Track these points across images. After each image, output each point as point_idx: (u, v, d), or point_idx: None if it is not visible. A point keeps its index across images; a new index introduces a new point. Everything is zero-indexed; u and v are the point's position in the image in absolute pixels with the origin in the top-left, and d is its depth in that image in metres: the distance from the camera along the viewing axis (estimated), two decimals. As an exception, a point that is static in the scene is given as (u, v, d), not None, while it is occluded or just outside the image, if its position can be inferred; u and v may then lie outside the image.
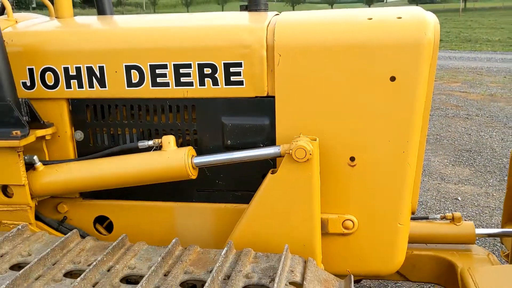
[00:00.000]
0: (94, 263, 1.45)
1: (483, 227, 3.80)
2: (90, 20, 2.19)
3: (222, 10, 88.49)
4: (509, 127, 6.99)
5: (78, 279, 1.36)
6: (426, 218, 2.71)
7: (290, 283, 1.38)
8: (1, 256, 1.52)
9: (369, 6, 72.83)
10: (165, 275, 1.43)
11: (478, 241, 2.46)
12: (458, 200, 4.44)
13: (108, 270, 1.46)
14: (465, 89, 10.07)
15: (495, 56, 15.64)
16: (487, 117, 7.64)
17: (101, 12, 2.42)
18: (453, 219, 2.49)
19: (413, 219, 2.65)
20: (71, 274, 1.46)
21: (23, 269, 1.39)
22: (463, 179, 5.00)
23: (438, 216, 2.63)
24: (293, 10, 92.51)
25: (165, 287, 1.35)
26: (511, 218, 2.51)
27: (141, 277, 1.39)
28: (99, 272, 1.44)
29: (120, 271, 1.45)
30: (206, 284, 1.31)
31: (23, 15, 2.01)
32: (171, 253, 1.53)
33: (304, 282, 1.38)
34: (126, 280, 1.44)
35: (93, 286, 1.37)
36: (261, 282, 1.39)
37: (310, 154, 1.54)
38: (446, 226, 2.49)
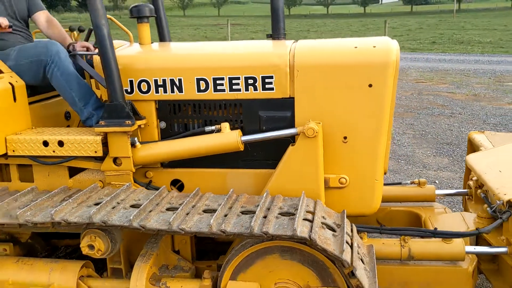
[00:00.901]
0: (184, 202, 2.33)
1: (455, 203, 4.68)
2: (166, 46, 3.08)
3: (218, 14, 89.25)
4: (488, 123, 7.83)
5: (177, 210, 2.24)
6: (400, 184, 3.61)
7: (307, 211, 2.26)
8: (122, 200, 2.40)
9: (364, 8, 72.98)
10: (229, 208, 2.31)
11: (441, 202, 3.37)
12: (436, 183, 5.27)
13: (193, 207, 2.33)
14: (452, 90, 10.88)
15: (483, 58, 16.49)
16: (469, 115, 8.47)
17: (161, 35, 3.28)
18: (419, 184, 3.39)
19: (390, 184, 3.57)
20: (170, 209, 2.34)
21: (141, 206, 2.27)
22: (442, 167, 5.86)
23: (409, 181, 3.53)
24: (289, 12, 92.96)
25: (232, 213, 2.23)
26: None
27: (215, 210, 2.27)
28: (188, 207, 2.32)
29: (200, 207, 2.33)
30: (257, 210, 2.19)
31: (116, 42, 2.86)
32: (230, 197, 2.41)
33: (315, 211, 2.26)
34: (204, 211, 2.32)
35: (186, 214, 2.24)
36: (289, 211, 2.26)
37: (316, 132, 2.41)
38: (414, 189, 3.39)
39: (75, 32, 3.56)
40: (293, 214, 2.19)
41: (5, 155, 2.68)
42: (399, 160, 6.11)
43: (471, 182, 3.36)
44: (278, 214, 2.23)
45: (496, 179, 2.77)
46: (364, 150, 2.54)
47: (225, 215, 2.22)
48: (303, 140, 2.44)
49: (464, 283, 2.61)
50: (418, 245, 2.61)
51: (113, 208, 2.29)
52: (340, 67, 2.49)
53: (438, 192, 3.41)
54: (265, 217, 2.17)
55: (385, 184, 3.30)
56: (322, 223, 2.18)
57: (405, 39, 25.93)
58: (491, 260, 2.81)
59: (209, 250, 2.86)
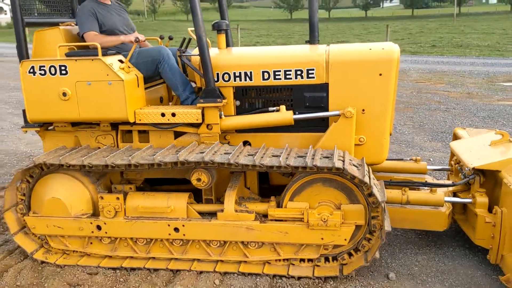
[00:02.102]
0: (258, 151, 3.55)
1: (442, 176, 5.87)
2: (239, 50, 4.33)
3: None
4: (477, 116, 8.98)
5: (256, 154, 3.45)
6: (401, 160, 4.86)
7: (339, 156, 3.47)
8: (217, 150, 3.60)
9: (365, 12, 73.31)
10: (288, 154, 3.52)
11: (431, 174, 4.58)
12: (431, 161, 6.47)
13: (264, 153, 3.54)
14: (448, 89, 12.02)
15: (478, 61, 17.67)
16: (462, 110, 9.62)
17: (227, 42, 4.48)
18: (415, 160, 4.61)
19: (394, 159, 4.80)
20: (250, 155, 3.54)
21: (232, 152, 3.47)
22: (436, 149, 7.05)
23: (408, 158, 4.77)
24: (291, 16, 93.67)
25: (290, 156, 3.44)
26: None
27: (279, 155, 3.47)
28: (261, 153, 3.51)
29: (269, 154, 3.53)
30: (308, 154, 3.40)
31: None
32: (287, 148, 3.63)
33: (345, 156, 3.47)
34: (272, 155, 3.52)
35: (261, 157, 3.45)
36: (328, 156, 3.46)
37: (352, 114, 3.62)
38: (411, 164, 4.61)
39: (160, 40, 4.81)
40: (331, 156, 3.42)
41: (132, 123, 3.91)
42: (401, 145, 7.30)
43: (452, 162, 4.64)
44: (321, 156, 3.45)
45: (467, 156, 3.97)
46: (376, 118, 3.76)
47: (287, 157, 3.44)
48: (343, 119, 3.67)
49: (442, 222, 3.87)
50: (413, 194, 3.86)
51: (213, 154, 3.51)
52: (359, 62, 3.73)
53: (429, 167, 4.65)
54: (313, 158, 3.39)
55: (390, 159, 4.59)
56: (350, 161, 3.40)
57: (406, 42, 27.00)
58: (462, 212, 4.04)
59: (264, 193, 4.07)
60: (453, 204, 3.96)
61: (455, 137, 4.74)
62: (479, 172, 3.81)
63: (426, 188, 3.96)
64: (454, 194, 4.09)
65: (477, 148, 4.07)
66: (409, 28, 43.20)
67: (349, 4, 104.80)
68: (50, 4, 4.63)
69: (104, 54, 3.81)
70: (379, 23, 54.89)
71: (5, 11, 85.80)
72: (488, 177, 3.80)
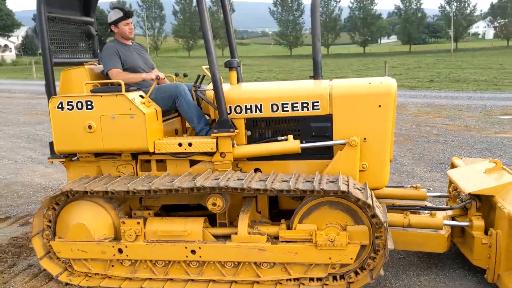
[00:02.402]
0: (269, 176, 3.83)
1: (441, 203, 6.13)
2: (249, 85, 4.67)
3: (222, 55, 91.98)
4: (475, 148, 9.29)
5: (267, 180, 3.74)
6: (402, 187, 5.14)
7: (344, 180, 3.74)
8: (230, 177, 3.88)
9: (364, 48, 74.42)
10: (296, 179, 3.81)
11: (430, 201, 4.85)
12: (430, 189, 6.75)
13: (274, 179, 3.83)
14: (446, 122, 12.38)
15: (475, 95, 18.11)
16: (460, 142, 9.93)
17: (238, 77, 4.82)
18: (416, 188, 4.90)
19: (395, 187, 5.08)
20: (262, 180, 3.82)
21: (244, 178, 3.76)
22: (435, 179, 7.32)
23: (409, 186, 5.05)
24: (291, 52, 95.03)
25: (299, 181, 3.72)
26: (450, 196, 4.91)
27: (289, 180, 3.75)
28: (272, 179, 3.80)
29: (279, 179, 3.82)
30: (315, 179, 3.69)
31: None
32: (295, 174, 3.92)
33: (349, 180, 3.76)
34: (282, 180, 3.80)
35: (272, 182, 3.73)
36: (333, 180, 3.74)
37: (357, 143, 3.93)
38: (412, 190, 4.90)
39: (175, 77, 5.17)
40: (337, 180, 3.70)
41: (151, 153, 4.21)
42: (401, 175, 7.58)
43: (450, 189, 4.93)
44: (327, 181, 3.74)
45: (464, 183, 4.28)
46: (377, 146, 4.07)
47: (296, 182, 3.73)
48: (348, 148, 3.98)
49: (442, 244, 4.15)
50: (414, 218, 4.15)
51: (227, 179, 3.80)
52: (360, 95, 4.08)
53: (428, 194, 4.96)
54: (319, 182, 3.68)
55: (391, 187, 4.89)
56: (354, 185, 3.69)
57: (404, 78, 27.56)
58: (461, 235, 4.31)
59: (274, 217, 4.33)
60: (452, 227, 4.23)
61: (453, 166, 5.04)
62: (475, 197, 4.09)
63: (426, 212, 4.24)
64: (453, 218, 4.36)
65: (472, 176, 4.36)
66: (407, 63, 43.99)
67: (347, 41, 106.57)
68: (74, 46, 4.99)
69: (126, 90, 4.14)
70: (377, 59, 55.86)
71: (10, 48, 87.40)
72: (484, 202, 4.08)
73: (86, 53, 5.20)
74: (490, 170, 4.31)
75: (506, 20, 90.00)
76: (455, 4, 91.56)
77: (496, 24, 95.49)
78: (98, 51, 5.24)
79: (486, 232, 3.89)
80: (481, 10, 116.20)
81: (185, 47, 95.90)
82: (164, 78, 4.65)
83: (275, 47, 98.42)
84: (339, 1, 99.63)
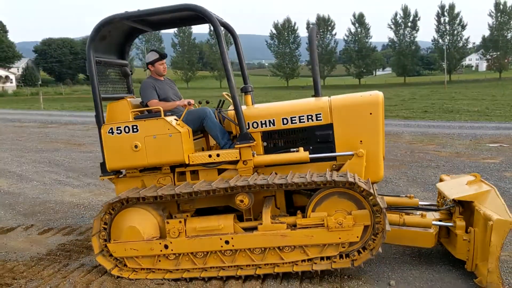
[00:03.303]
0: (288, 175, 4.67)
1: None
2: (263, 106, 5.59)
3: (220, 86, 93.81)
4: (464, 172, 10.09)
5: (287, 177, 4.60)
6: (398, 196, 6.02)
7: (350, 175, 4.60)
8: (255, 178, 4.72)
9: (359, 79, 76.00)
10: (311, 175, 4.68)
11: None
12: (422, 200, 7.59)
13: (293, 176, 4.69)
14: (438, 149, 13.25)
15: (466, 124, 19.10)
16: (451, 166, 10.78)
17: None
18: (409, 197, 5.78)
19: (392, 195, 5.96)
20: (282, 178, 4.68)
21: (268, 177, 4.61)
22: (427, 198, 8.15)
23: (404, 195, 5.93)
24: (287, 83, 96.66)
25: (313, 176, 4.60)
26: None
27: (305, 176, 4.61)
28: (290, 176, 4.63)
29: (296, 176, 4.70)
30: (327, 174, 4.58)
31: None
32: (309, 172, 4.79)
33: (355, 176, 4.63)
34: (300, 177, 4.66)
35: (291, 178, 4.60)
36: (342, 175, 4.61)
37: (363, 153, 4.85)
38: (405, 199, 5.77)
39: (199, 104, 6.10)
40: (345, 175, 4.59)
41: (186, 165, 5.10)
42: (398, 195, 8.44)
43: (438, 198, 5.85)
44: (337, 175, 4.62)
45: (449, 192, 5.19)
46: (371, 146, 5.02)
47: (311, 176, 4.63)
48: (356, 158, 4.91)
49: (430, 240, 5.03)
50: (408, 218, 5.03)
51: (255, 180, 4.69)
52: (354, 105, 5.10)
53: (420, 202, 5.83)
54: (331, 176, 4.57)
55: (388, 195, 5.78)
56: (359, 179, 4.59)
57: (399, 108, 28.59)
58: (446, 236, 5.18)
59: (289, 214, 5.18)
60: (440, 229, 5.10)
61: (441, 180, 5.93)
62: (458, 203, 4.98)
63: (418, 213, 5.12)
64: (440, 221, 5.24)
65: (456, 186, 5.27)
66: (401, 94, 45.12)
67: (343, 72, 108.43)
68: (114, 84, 5.95)
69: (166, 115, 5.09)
70: (372, 90, 56.98)
71: (11, 79, 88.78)
72: (465, 207, 4.96)
73: (123, 90, 6.14)
74: (471, 182, 5.22)
75: (498, 53, 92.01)
76: (447, 37, 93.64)
77: (488, 57, 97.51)
78: (132, 87, 6.25)
79: (466, 231, 4.76)
80: (474, 43, 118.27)
81: (183, 79, 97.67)
82: (194, 104, 5.57)
83: (271, 78, 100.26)
84: (335, 34, 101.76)
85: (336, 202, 4.72)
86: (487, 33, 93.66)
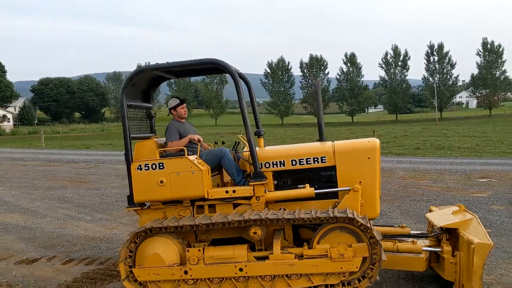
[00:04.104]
0: (295, 211, 5.34)
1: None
2: (274, 148, 6.26)
3: (215, 123, 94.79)
4: (450, 203, 10.82)
5: (295, 212, 5.25)
6: (392, 226, 6.66)
7: (350, 212, 5.24)
8: (267, 213, 5.37)
9: (352, 117, 77.07)
10: (316, 211, 5.30)
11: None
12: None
13: (299, 212, 5.34)
14: (430, 184, 13.90)
15: (456, 160, 19.86)
16: (442, 200, 11.37)
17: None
18: (402, 227, 6.42)
19: (385, 225, 6.60)
20: (289, 214, 5.33)
21: (278, 212, 5.27)
22: (419, 229, 8.77)
23: (397, 225, 6.57)
24: (282, 121, 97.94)
25: (317, 212, 5.23)
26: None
27: (310, 212, 5.26)
28: (297, 212, 5.30)
29: (302, 212, 5.32)
30: (329, 211, 5.21)
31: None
32: (314, 209, 5.41)
33: (353, 212, 5.25)
34: (305, 213, 5.31)
35: (298, 214, 5.24)
36: (342, 211, 5.23)
37: (358, 189, 5.51)
38: (398, 229, 6.39)
39: (215, 144, 6.76)
40: (345, 211, 5.23)
41: (205, 199, 5.72)
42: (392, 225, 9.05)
43: (428, 228, 6.48)
44: (338, 212, 5.25)
45: (437, 221, 5.82)
46: (369, 187, 5.66)
47: (315, 212, 5.25)
48: (352, 192, 5.54)
49: (421, 264, 5.66)
50: (401, 245, 5.66)
51: (266, 214, 5.31)
52: (354, 151, 5.76)
53: (412, 231, 6.45)
54: (333, 212, 5.20)
55: (382, 225, 6.41)
56: (357, 215, 5.21)
57: (392, 145, 29.38)
58: (436, 261, 5.79)
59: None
60: (430, 254, 5.72)
61: (430, 211, 6.59)
62: (445, 230, 5.62)
63: (409, 240, 5.75)
64: (429, 247, 5.87)
65: (443, 216, 5.93)
66: (394, 132, 46.03)
67: (336, 110, 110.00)
68: (140, 126, 6.60)
69: (188, 154, 5.74)
70: (365, 127, 58.11)
71: (8, 118, 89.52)
72: (451, 234, 5.60)
73: (147, 130, 6.81)
74: (456, 211, 5.88)
75: (487, 90, 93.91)
76: (437, 75, 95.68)
77: (478, 94, 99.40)
78: (155, 128, 6.91)
79: (453, 255, 5.38)
80: (464, 81, 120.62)
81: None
82: (202, 141, 6.22)
83: (266, 116, 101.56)
84: (327, 73, 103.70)
85: (338, 235, 5.32)
86: (475, 71, 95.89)
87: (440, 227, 5.64)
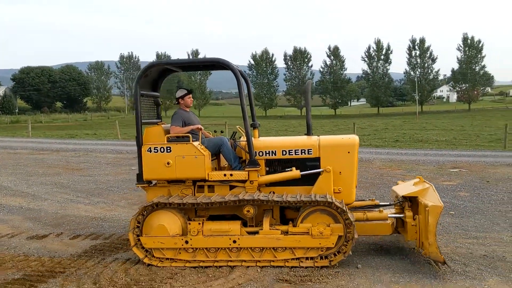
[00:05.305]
0: (283, 194, 6.23)
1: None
2: (268, 139, 7.15)
3: (199, 115, 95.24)
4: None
5: (283, 196, 6.14)
6: (363, 200, 7.56)
7: (329, 197, 6.17)
8: (258, 194, 6.26)
9: (335, 110, 77.88)
10: (300, 195, 6.22)
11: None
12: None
13: (286, 195, 6.23)
14: (404, 173, 14.80)
15: (431, 152, 20.98)
16: (414, 187, 12.49)
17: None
18: (372, 200, 7.34)
19: (359, 200, 7.53)
20: (278, 196, 6.22)
21: (268, 194, 6.15)
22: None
23: (368, 199, 7.50)
24: (266, 113, 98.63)
25: (301, 196, 6.14)
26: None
27: (295, 196, 6.16)
28: (285, 195, 6.19)
29: (289, 195, 6.23)
30: (312, 195, 6.12)
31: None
32: (299, 194, 6.34)
33: (332, 197, 6.19)
34: (290, 196, 6.21)
35: (285, 197, 6.13)
36: (323, 196, 6.16)
37: (330, 170, 6.43)
38: (369, 201, 7.30)
39: (215, 133, 7.60)
40: (325, 196, 6.13)
41: (206, 180, 6.57)
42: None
43: (394, 198, 7.39)
44: (319, 197, 6.15)
45: (400, 191, 6.83)
46: (347, 177, 6.57)
47: (300, 196, 6.14)
48: (325, 173, 6.44)
49: (388, 229, 6.65)
50: (369, 214, 6.66)
51: (258, 195, 6.18)
52: (337, 145, 6.63)
53: (380, 203, 7.37)
54: (315, 197, 6.10)
55: (357, 200, 7.32)
56: (335, 200, 6.11)
57: (372, 138, 30.48)
58: (401, 226, 6.75)
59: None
60: (396, 220, 6.74)
61: (397, 185, 7.57)
62: (407, 199, 6.62)
63: (377, 210, 6.77)
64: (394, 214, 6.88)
65: (405, 187, 6.98)
66: (375, 125, 47.15)
67: (319, 103, 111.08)
68: (149, 112, 7.40)
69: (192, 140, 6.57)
70: (347, 120, 59.22)
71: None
72: (412, 201, 6.60)
73: (154, 116, 7.61)
74: (416, 182, 6.89)
75: (467, 85, 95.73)
76: (419, 69, 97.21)
77: (458, 88, 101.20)
78: (161, 114, 7.74)
79: (414, 219, 6.37)
80: (445, 75, 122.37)
81: (162, 108, 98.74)
82: (202, 129, 6.98)
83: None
84: (311, 66, 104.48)
85: (318, 216, 6.23)
86: (456, 66, 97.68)
87: (403, 196, 6.62)
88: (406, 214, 6.52)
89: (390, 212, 6.87)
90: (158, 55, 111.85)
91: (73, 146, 25.98)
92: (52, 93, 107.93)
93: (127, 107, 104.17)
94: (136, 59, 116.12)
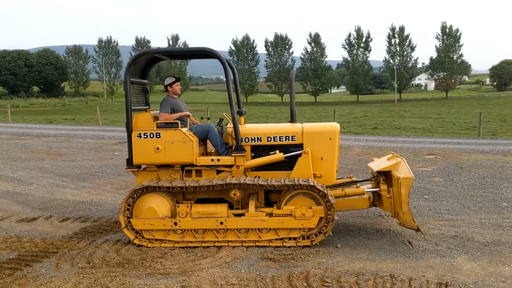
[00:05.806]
0: (268, 178, 6.58)
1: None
2: (254, 126, 7.48)
3: (179, 96, 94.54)
4: (401, 177, 12.31)
5: (268, 180, 6.50)
6: (342, 178, 7.94)
7: (311, 181, 6.54)
8: (245, 178, 6.60)
9: (315, 97, 78.41)
10: (284, 179, 6.58)
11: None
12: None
13: (271, 179, 6.58)
14: (382, 160, 15.51)
15: (408, 139, 21.56)
16: (391, 173, 12.97)
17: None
18: (350, 177, 7.73)
19: (338, 179, 7.92)
20: (263, 180, 6.57)
21: (254, 178, 6.50)
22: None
23: (346, 176, 7.89)
24: (246, 99, 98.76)
25: (285, 180, 6.50)
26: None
27: (279, 180, 6.52)
28: (269, 180, 6.54)
29: (273, 180, 6.59)
30: (295, 179, 6.49)
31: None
32: (283, 178, 6.69)
33: (314, 181, 6.56)
34: (275, 180, 6.56)
35: (270, 181, 6.48)
36: (306, 180, 6.53)
37: (308, 151, 6.81)
38: (347, 179, 7.70)
39: (201, 120, 7.89)
40: (308, 180, 6.50)
41: (193, 165, 6.87)
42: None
43: (371, 174, 7.80)
44: (302, 181, 6.51)
45: (374, 166, 7.25)
46: (329, 162, 6.94)
47: (284, 180, 6.50)
48: (304, 155, 6.82)
49: (365, 203, 7.12)
50: (347, 190, 7.09)
51: (244, 179, 6.52)
52: (319, 132, 6.99)
53: (358, 179, 7.78)
54: (298, 181, 6.45)
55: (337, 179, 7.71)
56: (317, 183, 6.48)
57: (351, 125, 31.03)
58: (378, 199, 7.17)
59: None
60: (373, 194, 7.17)
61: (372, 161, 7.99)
62: (381, 173, 7.03)
63: (354, 185, 7.20)
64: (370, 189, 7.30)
65: (380, 163, 7.39)
66: (354, 112, 47.79)
67: (300, 90, 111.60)
68: (138, 99, 7.65)
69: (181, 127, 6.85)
70: (327, 107, 59.81)
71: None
72: (387, 175, 7.02)
73: (142, 103, 7.86)
74: (390, 158, 7.32)
75: (445, 73, 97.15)
76: (398, 58, 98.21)
77: (435, 77, 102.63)
78: (149, 101, 7.97)
79: (388, 192, 6.81)
80: (423, 63, 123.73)
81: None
82: (190, 116, 7.30)
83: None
84: (292, 53, 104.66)
85: (301, 199, 6.60)
86: (434, 54, 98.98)
87: (377, 171, 7.03)
88: (381, 187, 6.98)
89: (366, 187, 7.31)
90: (137, 40, 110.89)
91: (54, 132, 25.91)
92: (29, 77, 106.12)
93: (106, 92, 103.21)
94: (115, 43, 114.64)
